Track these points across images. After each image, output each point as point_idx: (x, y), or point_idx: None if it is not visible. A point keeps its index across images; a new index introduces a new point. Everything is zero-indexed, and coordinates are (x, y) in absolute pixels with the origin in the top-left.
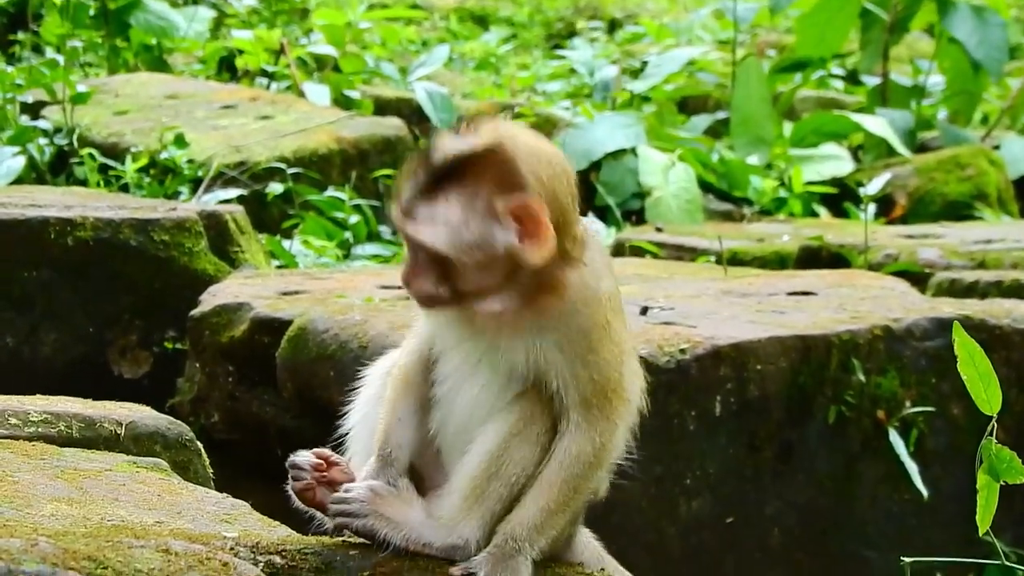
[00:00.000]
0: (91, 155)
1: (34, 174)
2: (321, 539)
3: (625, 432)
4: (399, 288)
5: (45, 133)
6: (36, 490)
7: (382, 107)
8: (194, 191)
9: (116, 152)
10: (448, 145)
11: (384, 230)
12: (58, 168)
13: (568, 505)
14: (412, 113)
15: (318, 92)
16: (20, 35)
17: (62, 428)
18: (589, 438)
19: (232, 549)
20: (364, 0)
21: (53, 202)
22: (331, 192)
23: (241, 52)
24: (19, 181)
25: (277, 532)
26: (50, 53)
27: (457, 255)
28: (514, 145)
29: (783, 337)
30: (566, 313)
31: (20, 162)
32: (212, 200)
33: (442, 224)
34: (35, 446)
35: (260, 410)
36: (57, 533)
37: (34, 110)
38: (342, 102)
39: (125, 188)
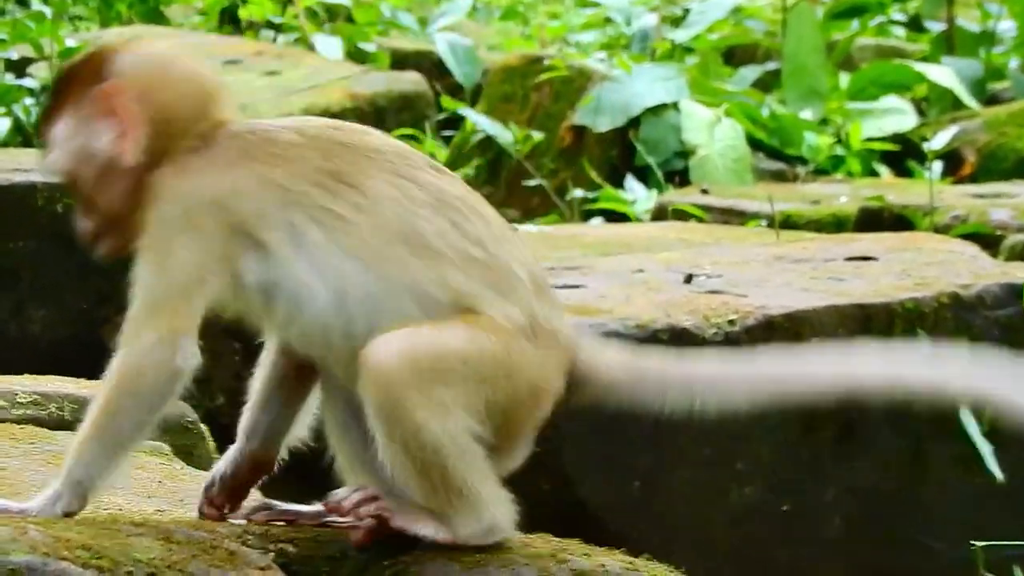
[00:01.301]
0: None
1: (20, 137)
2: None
3: (154, 354)
4: None
5: (31, 92)
6: (25, 476)
7: (400, 61)
8: None
9: None
10: (63, 67)
11: None
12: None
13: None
14: (433, 67)
15: (329, 45)
16: None
17: (52, 410)
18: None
19: (240, 537)
20: None
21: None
22: None
23: (245, 2)
24: (3, 144)
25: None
26: (36, 5)
27: (74, 171)
28: (114, 49)
29: (841, 306)
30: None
31: (4, 124)
32: None
33: (58, 143)
34: (24, 429)
35: None
36: (48, 521)
37: (19, 67)
38: (356, 55)
39: None
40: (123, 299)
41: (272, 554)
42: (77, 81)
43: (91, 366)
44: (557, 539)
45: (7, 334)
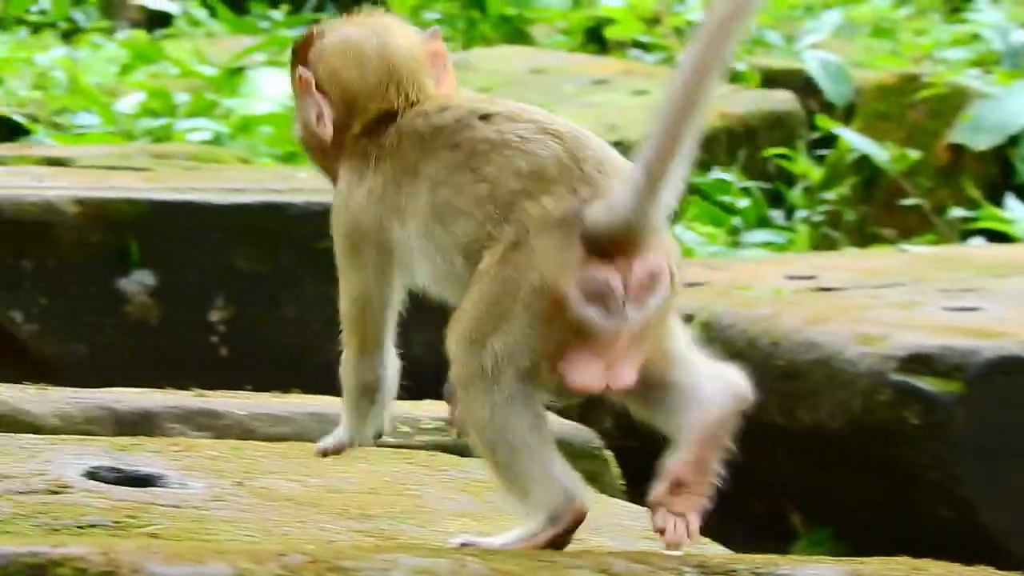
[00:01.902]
0: None
1: None
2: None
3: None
4: (810, 278)
5: None
6: (441, 504)
7: (769, 79)
8: None
9: None
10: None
11: (775, 215)
12: None
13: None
14: (803, 85)
15: None
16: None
17: (457, 436)
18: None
19: (676, 569)
20: None
21: None
22: (717, 173)
23: (610, 21)
24: None
25: (710, 549)
26: None
27: (304, 139)
28: (322, 29)
29: None
30: None
31: None
32: None
33: (296, 115)
34: (433, 456)
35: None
36: (484, 552)
37: None
38: (725, 74)
39: None
40: None
41: None
42: (294, 63)
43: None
44: (962, 565)
45: None
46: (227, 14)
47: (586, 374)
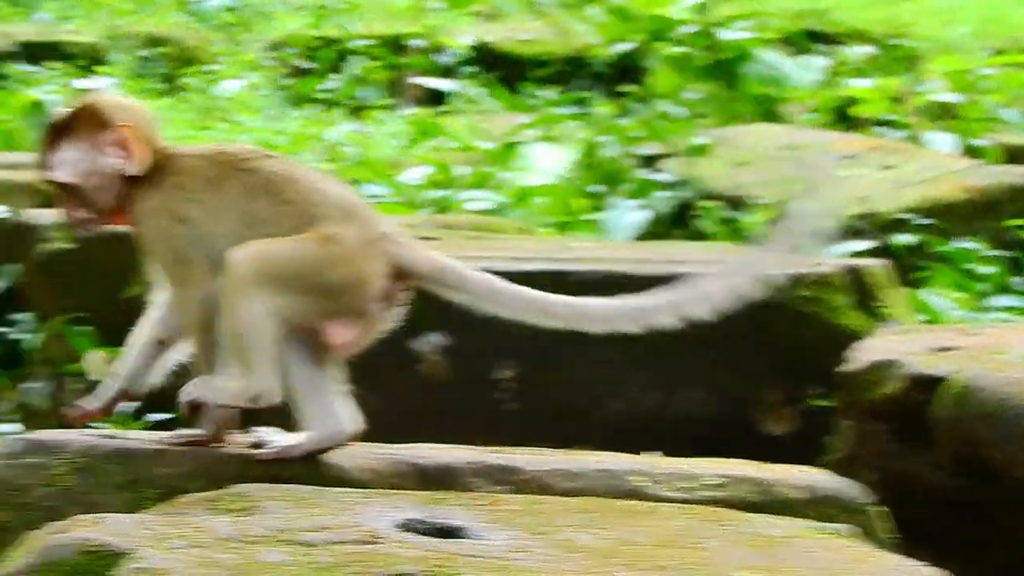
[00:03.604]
0: (711, 207)
1: (655, 228)
2: None
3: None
4: None
5: (665, 186)
6: (726, 559)
7: (1013, 154)
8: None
9: (738, 204)
10: (59, 113)
11: (1018, 281)
12: (677, 220)
13: None
14: None
15: (941, 140)
16: (628, 87)
17: (741, 492)
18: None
19: None
20: (984, 47)
21: (688, 257)
22: (960, 242)
23: (858, 100)
24: (641, 236)
25: None
26: (660, 105)
27: (81, 182)
28: (101, 100)
29: None
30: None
31: (644, 215)
32: (843, 252)
33: (66, 164)
34: (716, 511)
35: (915, 470)
36: None
37: (651, 162)
38: (967, 150)
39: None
40: (772, 381)
41: None
42: (83, 123)
43: (738, 446)
44: None
45: (656, 414)
46: (501, 92)
47: (343, 337)
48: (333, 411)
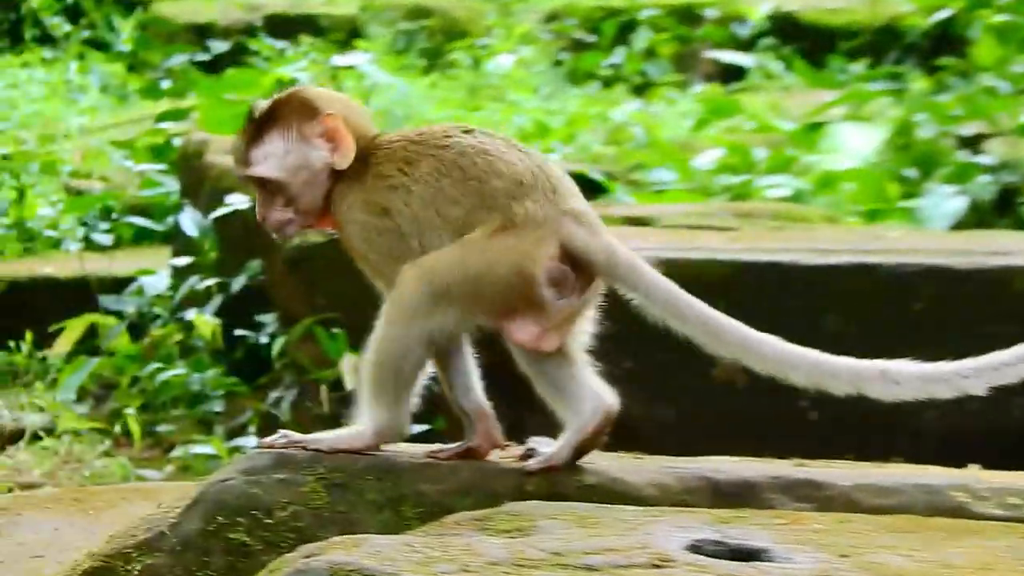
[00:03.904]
0: None
1: (975, 216)
2: None
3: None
4: None
5: (987, 169)
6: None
7: None
8: None
9: None
10: (260, 105)
11: None
12: (1001, 208)
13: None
14: None
15: None
16: (946, 60)
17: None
18: None
19: None
20: None
21: (1013, 248)
22: None
23: None
24: (959, 224)
25: None
26: (983, 79)
27: (287, 178)
28: (307, 90)
29: None
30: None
31: (964, 202)
32: None
33: (270, 158)
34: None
35: None
36: None
37: (973, 144)
38: None
39: None
40: None
41: None
42: (283, 116)
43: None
44: None
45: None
46: (804, 67)
47: (527, 334)
48: (576, 402)
